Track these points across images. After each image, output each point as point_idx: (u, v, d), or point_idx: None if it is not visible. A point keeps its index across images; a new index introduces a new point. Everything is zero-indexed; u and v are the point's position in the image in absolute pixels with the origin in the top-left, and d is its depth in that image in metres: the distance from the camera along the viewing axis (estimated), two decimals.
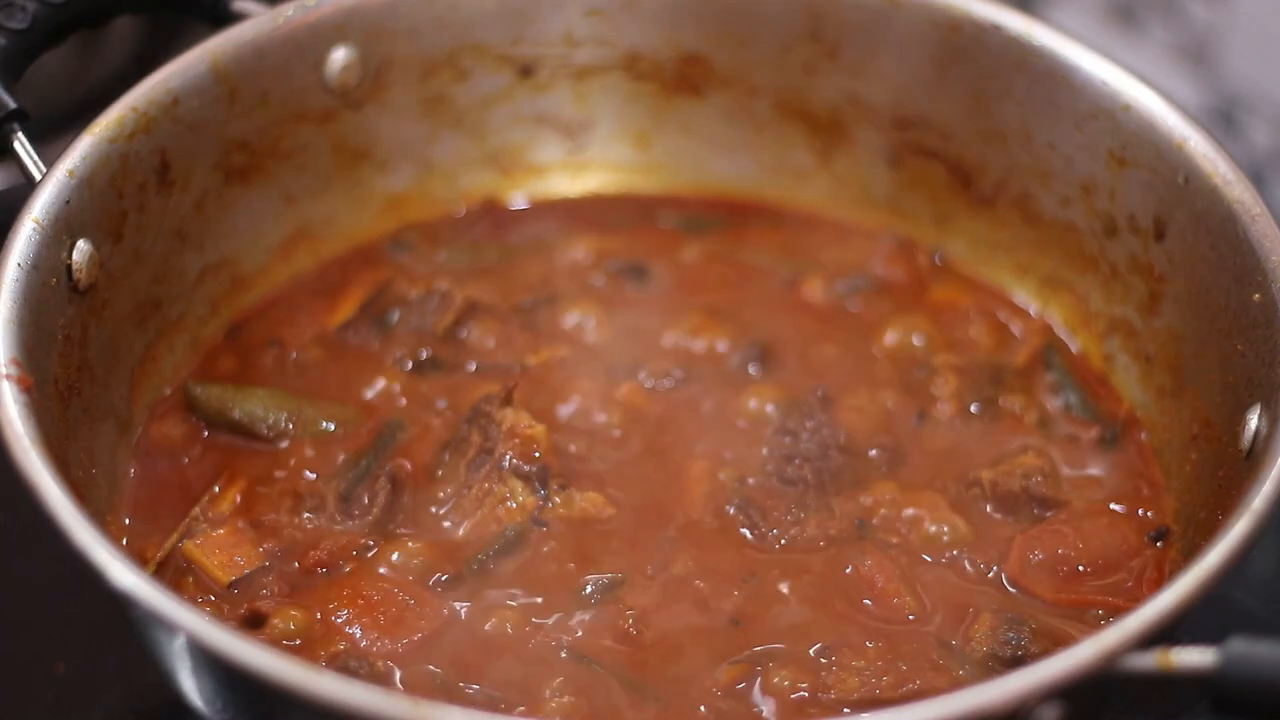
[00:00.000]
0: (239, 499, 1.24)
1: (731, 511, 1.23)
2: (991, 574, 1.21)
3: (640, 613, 1.18)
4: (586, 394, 1.30)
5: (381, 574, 1.19)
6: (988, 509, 1.25)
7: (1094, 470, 1.29)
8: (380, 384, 1.32)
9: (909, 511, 1.24)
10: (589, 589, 1.19)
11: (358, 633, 1.15)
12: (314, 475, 1.25)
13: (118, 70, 1.61)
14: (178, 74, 1.30)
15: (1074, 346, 1.37)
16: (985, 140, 1.39)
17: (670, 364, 1.33)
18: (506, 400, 1.26)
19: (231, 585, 1.19)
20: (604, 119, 1.46)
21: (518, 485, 1.23)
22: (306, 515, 1.23)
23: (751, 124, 1.45)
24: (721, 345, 1.35)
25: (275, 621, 1.16)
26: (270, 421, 1.28)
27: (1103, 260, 1.35)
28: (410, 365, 1.33)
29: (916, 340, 1.36)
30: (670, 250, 1.42)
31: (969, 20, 1.38)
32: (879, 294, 1.40)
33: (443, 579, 1.19)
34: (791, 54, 1.43)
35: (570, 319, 1.37)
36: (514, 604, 1.18)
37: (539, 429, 1.25)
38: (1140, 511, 1.26)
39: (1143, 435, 1.31)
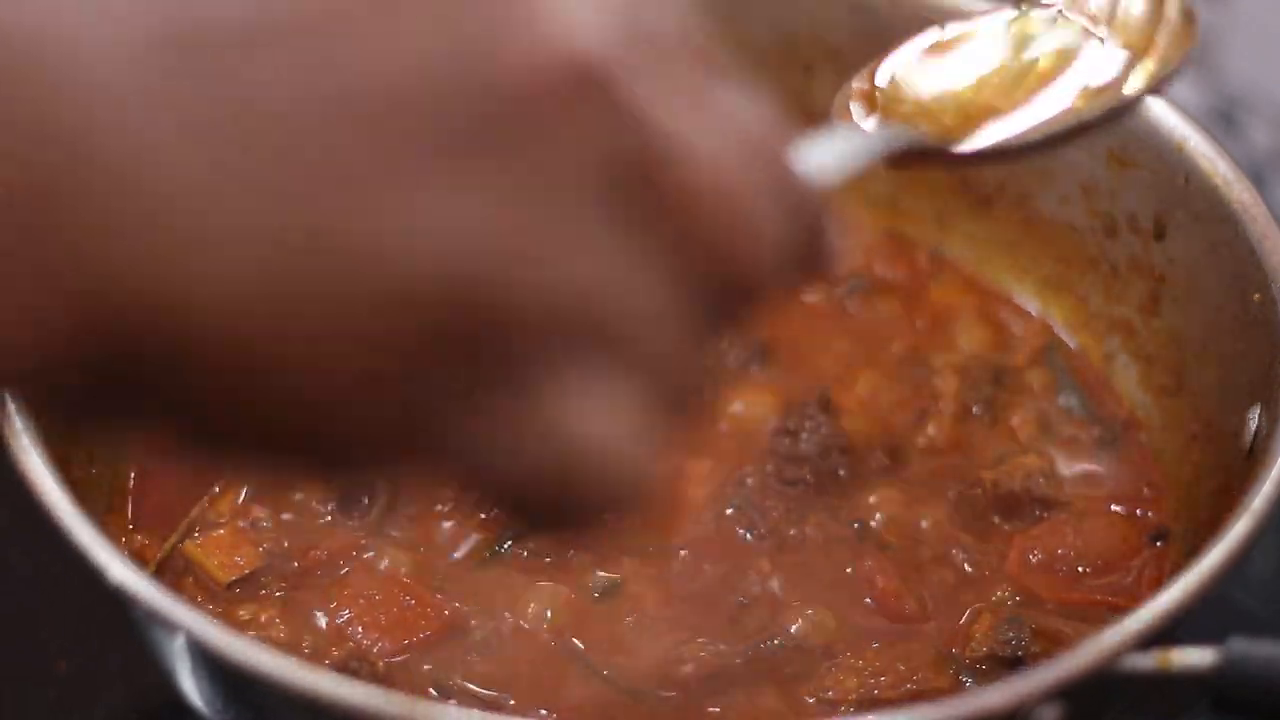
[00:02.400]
0: (239, 499, 1.24)
1: (731, 512, 1.23)
2: (991, 574, 1.21)
3: (640, 613, 1.18)
4: None
5: (382, 574, 1.19)
6: (988, 509, 1.25)
7: (1094, 471, 1.29)
8: None
9: (909, 512, 1.24)
10: (589, 590, 1.19)
11: (358, 633, 1.15)
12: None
13: None
14: None
15: (1074, 346, 1.37)
16: None
17: None
18: None
19: (231, 585, 1.19)
20: None
21: None
22: (306, 515, 1.23)
23: None
24: (721, 345, 1.34)
25: None
26: None
27: (1103, 260, 1.35)
28: None
29: (917, 341, 1.36)
30: None
31: None
32: (879, 294, 1.39)
33: (443, 579, 1.19)
34: (792, 54, 1.42)
35: None
36: (514, 605, 1.18)
37: None
38: (1140, 511, 1.26)
39: (1143, 436, 1.31)
